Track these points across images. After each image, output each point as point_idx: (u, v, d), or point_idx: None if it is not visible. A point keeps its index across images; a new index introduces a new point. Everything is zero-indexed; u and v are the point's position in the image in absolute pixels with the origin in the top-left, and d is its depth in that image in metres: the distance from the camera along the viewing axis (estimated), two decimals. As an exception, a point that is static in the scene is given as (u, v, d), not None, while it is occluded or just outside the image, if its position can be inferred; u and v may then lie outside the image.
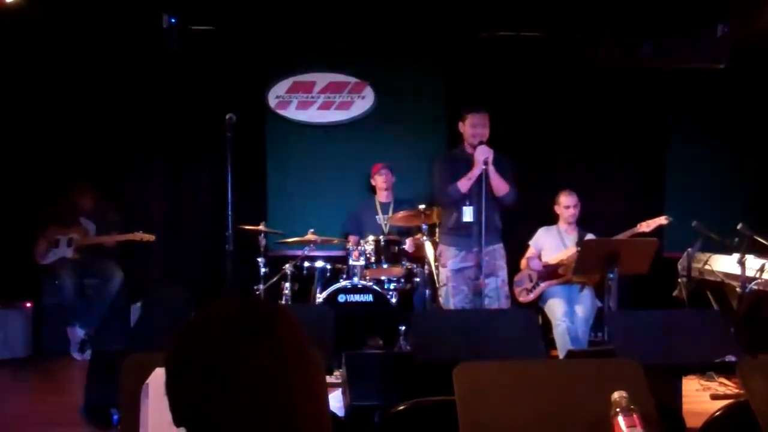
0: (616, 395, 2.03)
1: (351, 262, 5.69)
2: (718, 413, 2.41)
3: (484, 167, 4.83)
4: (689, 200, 6.60)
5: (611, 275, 4.94)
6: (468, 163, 4.95)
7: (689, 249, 5.53)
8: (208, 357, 1.07)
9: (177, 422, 1.10)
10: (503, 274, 5.13)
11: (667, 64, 6.05)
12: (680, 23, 5.72)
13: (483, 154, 4.84)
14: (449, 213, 5.12)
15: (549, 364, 2.72)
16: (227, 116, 4.78)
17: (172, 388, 1.11)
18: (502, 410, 2.13)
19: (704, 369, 4.60)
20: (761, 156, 6.76)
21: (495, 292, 4.97)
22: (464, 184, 4.93)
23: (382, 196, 6.33)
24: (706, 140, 6.84)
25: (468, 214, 4.93)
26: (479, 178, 4.85)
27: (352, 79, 6.81)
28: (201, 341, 1.09)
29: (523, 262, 5.83)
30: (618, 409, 2.03)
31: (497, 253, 5.08)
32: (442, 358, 3.09)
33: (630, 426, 2.01)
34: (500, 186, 4.97)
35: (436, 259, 5.36)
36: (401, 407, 2.50)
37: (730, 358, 3.12)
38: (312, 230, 5.84)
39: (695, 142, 6.86)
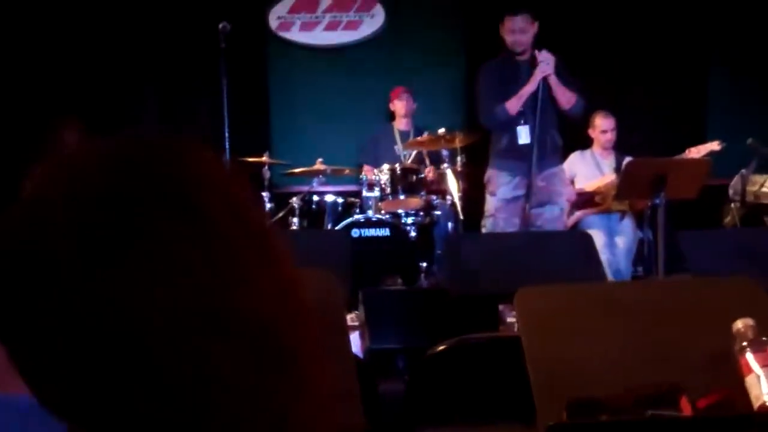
0: (739, 324, 1.55)
1: (365, 193, 5.18)
2: None
3: (545, 75, 4.14)
4: (734, 122, 5.99)
5: (657, 200, 4.43)
6: (516, 74, 4.27)
7: (743, 170, 5.01)
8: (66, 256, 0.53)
9: (42, 399, 0.55)
10: (563, 202, 4.51)
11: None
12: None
13: (544, 69, 4.14)
14: (500, 133, 4.42)
15: (639, 287, 2.20)
16: (221, 25, 4.22)
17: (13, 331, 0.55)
18: (581, 344, 1.62)
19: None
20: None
21: (552, 224, 4.34)
22: (513, 105, 4.22)
23: (401, 124, 5.71)
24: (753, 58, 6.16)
25: (524, 134, 4.23)
26: (535, 92, 4.17)
27: (360, -5, 6.21)
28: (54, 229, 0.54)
29: None
30: (744, 343, 1.54)
31: (557, 178, 4.44)
32: (483, 291, 2.63)
33: (765, 365, 1.51)
34: (567, 97, 4.26)
35: (459, 189, 4.80)
36: (442, 347, 2.01)
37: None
38: (320, 159, 5.31)
39: (741, 60, 6.20)
